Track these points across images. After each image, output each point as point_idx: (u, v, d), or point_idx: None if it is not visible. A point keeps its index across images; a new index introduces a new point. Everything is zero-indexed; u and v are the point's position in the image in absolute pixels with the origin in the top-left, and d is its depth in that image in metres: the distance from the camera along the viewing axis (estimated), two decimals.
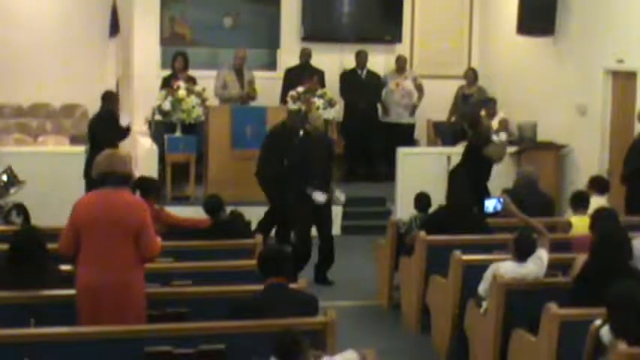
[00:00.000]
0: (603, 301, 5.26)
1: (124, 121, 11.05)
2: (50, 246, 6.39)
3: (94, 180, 6.16)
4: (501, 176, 11.02)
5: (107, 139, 10.26)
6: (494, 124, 13.22)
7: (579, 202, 8.49)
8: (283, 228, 11.18)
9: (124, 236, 5.77)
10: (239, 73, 12.83)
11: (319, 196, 9.70)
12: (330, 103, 12.69)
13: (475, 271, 7.13)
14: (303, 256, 9.61)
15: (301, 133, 10.17)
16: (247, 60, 13.01)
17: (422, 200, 9.23)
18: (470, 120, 11.47)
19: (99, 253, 5.75)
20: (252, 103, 12.88)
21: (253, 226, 10.06)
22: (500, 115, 13.31)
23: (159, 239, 6.03)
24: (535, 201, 8.96)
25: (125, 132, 11.08)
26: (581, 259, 6.36)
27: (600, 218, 7.18)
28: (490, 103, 13.42)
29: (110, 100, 11.10)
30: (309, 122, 9.99)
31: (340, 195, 10.26)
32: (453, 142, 13.00)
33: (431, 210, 9.11)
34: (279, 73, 13.97)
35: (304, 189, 9.68)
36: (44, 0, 14.72)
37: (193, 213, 9.48)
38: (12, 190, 10.63)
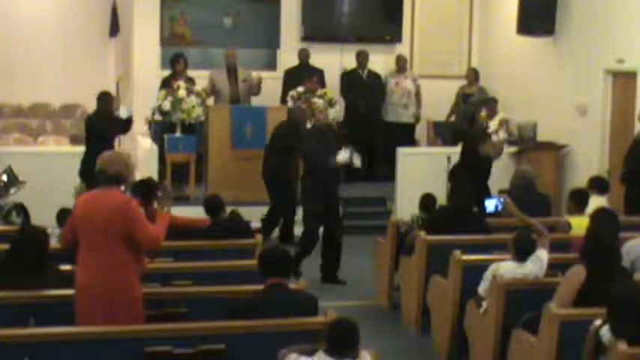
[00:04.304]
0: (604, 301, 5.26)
1: (123, 114, 10.86)
2: (50, 246, 6.40)
3: (92, 180, 6.15)
4: (501, 176, 11.01)
5: (103, 132, 10.28)
6: (495, 123, 13.23)
7: (578, 201, 8.44)
8: (286, 228, 11.22)
9: (112, 238, 5.75)
10: (231, 72, 12.84)
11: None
12: (330, 103, 12.70)
13: (475, 271, 7.13)
14: (307, 246, 9.62)
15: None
16: (239, 59, 13.00)
17: (427, 201, 9.23)
18: (467, 118, 11.53)
19: (91, 254, 5.77)
20: (252, 103, 12.92)
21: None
22: (501, 114, 13.32)
23: (157, 227, 5.96)
24: (532, 200, 8.94)
25: (126, 124, 10.90)
26: (567, 285, 6.21)
27: (598, 220, 7.19)
28: (491, 103, 13.43)
29: (104, 101, 10.81)
30: (313, 117, 10.02)
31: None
32: (452, 142, 13.01)
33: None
34: (279, 73, 13.98)
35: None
36: (44, 0, 14.72)
37: (193, 213, 9.47)
38: (12, 190, 10.63)
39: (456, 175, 10.70)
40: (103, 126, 10.45)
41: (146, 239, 5.83)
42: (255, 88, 12.76)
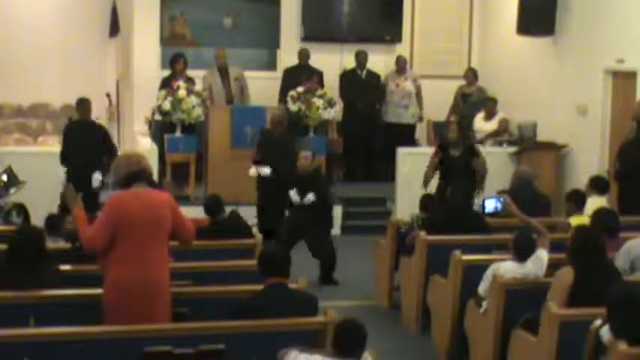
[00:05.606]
0: (603, 301, 5.26)
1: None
2: (50, 246, 6.40)
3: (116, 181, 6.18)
4: (500, 177, 11.00)
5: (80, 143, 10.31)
6: (494, 123, 13.25)
7: (576, 201, 8.44)
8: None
9: (163, 235, 5.87)
10: (222, 72, 12.86)
11: (294, 196, 9.91)
12: (330, 103, 12.70)
13: (475, 271, 7.13)
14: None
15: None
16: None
17: (427, 201, 9.22)
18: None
19: (138, 252, 5.76)
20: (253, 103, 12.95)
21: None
22: (501, 114, 13.33)
23: (189, 221, 6.12)
24: (531, 201, 8.94)
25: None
26: (557, 286, 6.21)
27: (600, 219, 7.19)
28: (490, 103, 13.44)
29: (83, 107, 10.76)
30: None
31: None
32: None
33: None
34: (279, 73, 13.98)
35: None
36: (44, 0, 14.73)
37: (193, 213, 9.47)
38: (12, 190, 10.63)
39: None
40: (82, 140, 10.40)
41: (190, 232, 6.05)
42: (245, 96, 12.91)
